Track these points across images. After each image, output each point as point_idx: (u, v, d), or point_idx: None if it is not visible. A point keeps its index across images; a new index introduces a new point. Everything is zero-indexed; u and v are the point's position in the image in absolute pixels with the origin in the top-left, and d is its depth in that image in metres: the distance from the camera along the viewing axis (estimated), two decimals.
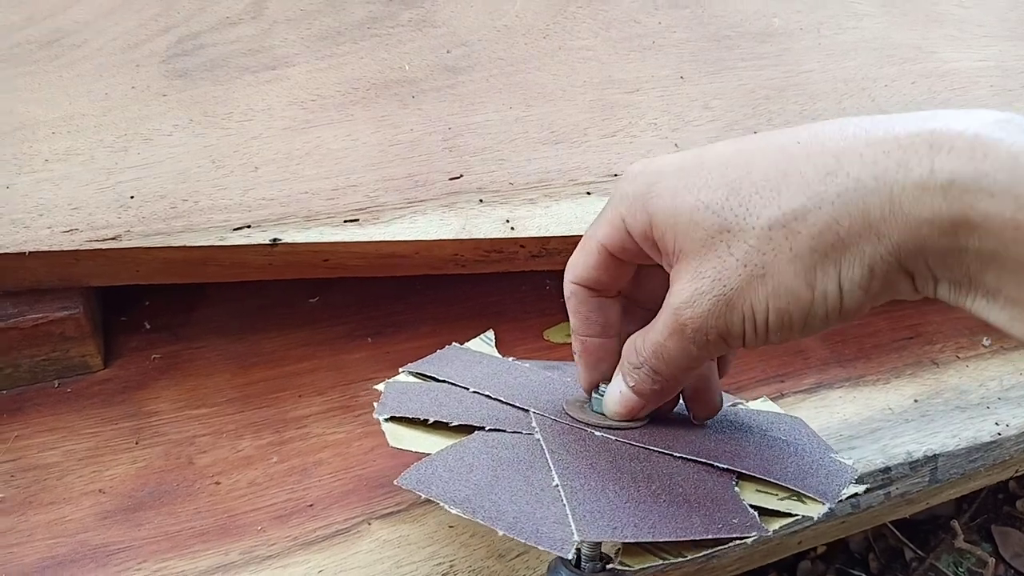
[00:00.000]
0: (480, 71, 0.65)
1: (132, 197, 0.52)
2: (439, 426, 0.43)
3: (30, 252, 0.49)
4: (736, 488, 0.37)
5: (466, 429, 0.42)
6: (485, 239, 0.54)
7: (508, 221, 0.55)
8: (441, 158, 0.58)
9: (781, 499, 0.36)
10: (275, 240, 0.51)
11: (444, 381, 0.47)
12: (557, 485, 0.36)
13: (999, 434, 0.56)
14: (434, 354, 0.52)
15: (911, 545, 0.92)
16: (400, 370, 0.49)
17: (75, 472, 0.50)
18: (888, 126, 0.30)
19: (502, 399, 0.45)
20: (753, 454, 0.39)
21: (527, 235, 0.54)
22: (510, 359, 0.52)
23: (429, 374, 0.48)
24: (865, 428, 0.56)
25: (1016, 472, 0.62)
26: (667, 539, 0.33)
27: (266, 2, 0.67)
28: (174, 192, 0.53)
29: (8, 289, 0.52)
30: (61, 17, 0.64)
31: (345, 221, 0.53)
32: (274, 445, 0.52)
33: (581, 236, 0.54)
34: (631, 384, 0.39)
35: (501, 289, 0.66)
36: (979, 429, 0.57)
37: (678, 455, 0.39)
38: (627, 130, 0.62)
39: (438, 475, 0.38)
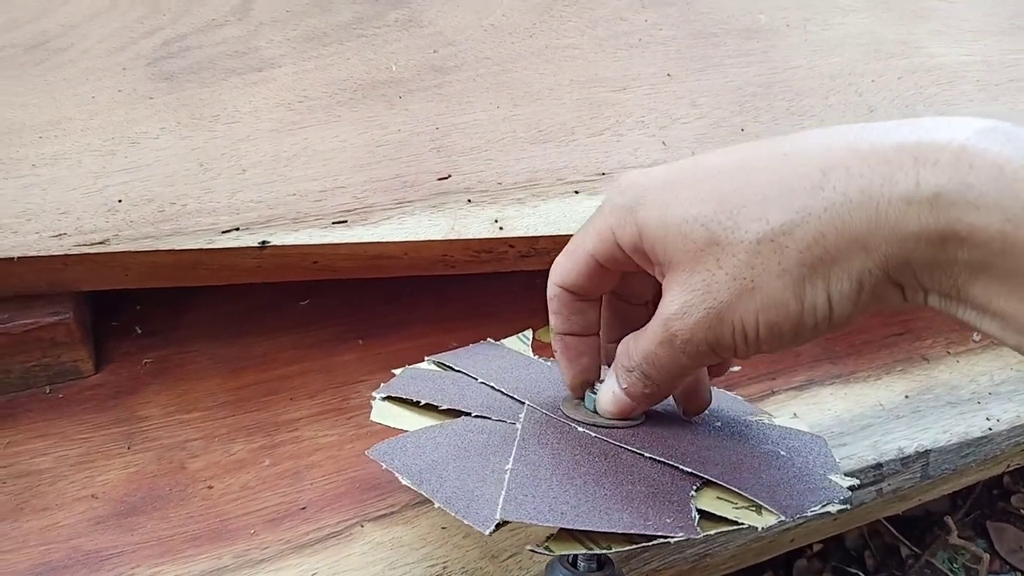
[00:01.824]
0: (467, 71, 0.65)
1: (120, 201, 0.52)
2: (431, 409, 0.44)
3: (18, 257, 0.49)
4: (694, 492, 0.37)
5: (455, 414, 0.43)
6: (474, 239, 0.54)
7: (497, 221, 0.55)
8: (429, 158, 0.58)
9: (737, 508, 0.37)
10: (263, 243, 0.51)
11: (458, 371, 0.48)
12: (508, 469, 0.37)
13: (990, 429, 0.57)
14: (465, 347, 0.53)
15: (907, 542, 0.92)
16: (425, 358, 0.50)
17: (67, 478, 0.50)
18: (874, 138, 0.30)
19: (504, 390, 0.45)
20: (729, 463, 0.40)
21: (516, 235, 0.54)
22: (537, 357, 0.52)
23: (448, 363, 0.49)
24: (856, 424, 0.56)
25: (1008, 467, 0.62)
26: (589, 528, 0.34)
27: (252, 4, 0.67)
28: (162, 195, 0.53)
29: None
30: (46, 20, 0.63)
31: (333, 223, 0.53)
32: (266, 448, 0.52)
33: (570, 235, 0.54)
34: (624, 386, 0.39)
35: (492, 289, 0.66)
36: (970, 424, 0.57)
37: (647, 455, 0.39)
38: (614, 128, 0.62)
39: (405, 450, 0.39)
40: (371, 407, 0.44)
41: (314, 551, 0.46)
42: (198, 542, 0.46)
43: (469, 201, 0.56)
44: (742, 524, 0.35)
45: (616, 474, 0.37)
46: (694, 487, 0.37)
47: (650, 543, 0.34)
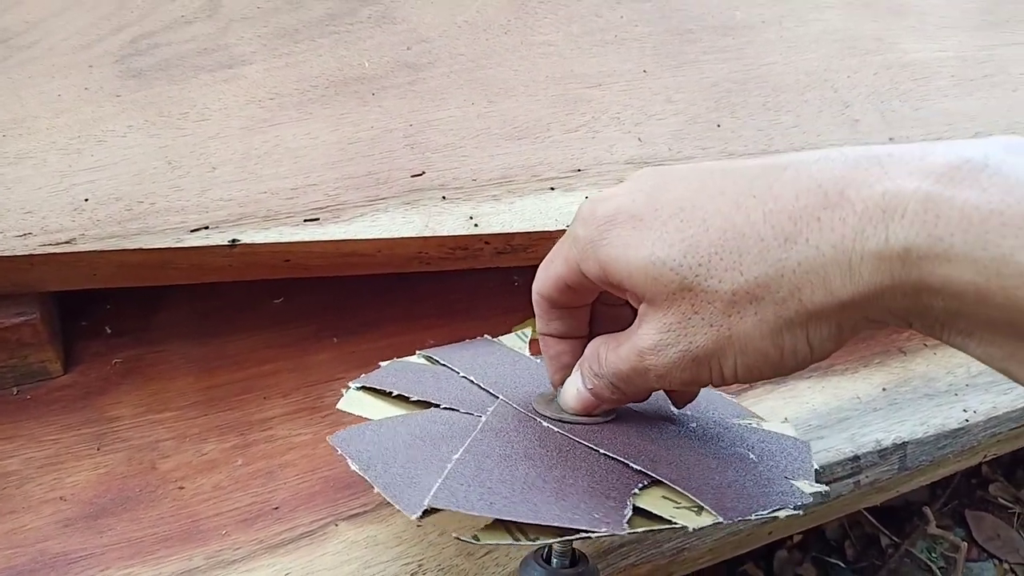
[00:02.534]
0: (441, 67, 0.64)
1: (86, 200, 0.51)
2: (403, 400, 0.44)
3: None
4: (638, 490, 0.37)
5: (426, 405, 0.43)
6: (449, 236, 0.54)
7: (472, 218, 0.54)
8: (402, 155, 0.58)
9: (678, 507, 0.36)
10: (234, 241, 0.51)
11: (443, 365, 0.48)
12: (455, 458, 0.37)
13: (967, 420, 0.57)
14: (460, 343, 0.53)
15: (886, 532, 0.92)
16: (416, 352, 0.50)
17: (35, 480, 0.49)
18: (843, 181, 0.29)
19: (481, 385, 0.45)
20: (685, 463, 0.40)
21: (491, 231, 0.54)
22: (529, 355, 0.52)
23: (436, 357, 0.49)
24: (834, 417, 0.56)
25: (984, 457, 0.63)
26: (517, 519, 0.34)
27: (222, 0, 0.67)
28: (129, 194, 0.52)
29: None
30: (9, 16, 0.62)
31: (305, 220, 0.52)
32: (239, 448, 0.52)
33: (545, 232, 0.55)
34: (588, 387, 0.39)
35: (468, 286, 0.66)
36: (947, 416, 0.57)
37: (601, 451, 0.39)
38: (590, 125, 0.62)
39: (363, 437, 0.40)
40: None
41: (287, 551, 0.45)
42: (169, 543, 0.45)
43: (444, 198, 0.55)
44: (675, 524, 0.35)
45: (563, 468, 0.37)
46: (640, 485, 0.37)
47: (575, 536, 0.33)
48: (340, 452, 0.39)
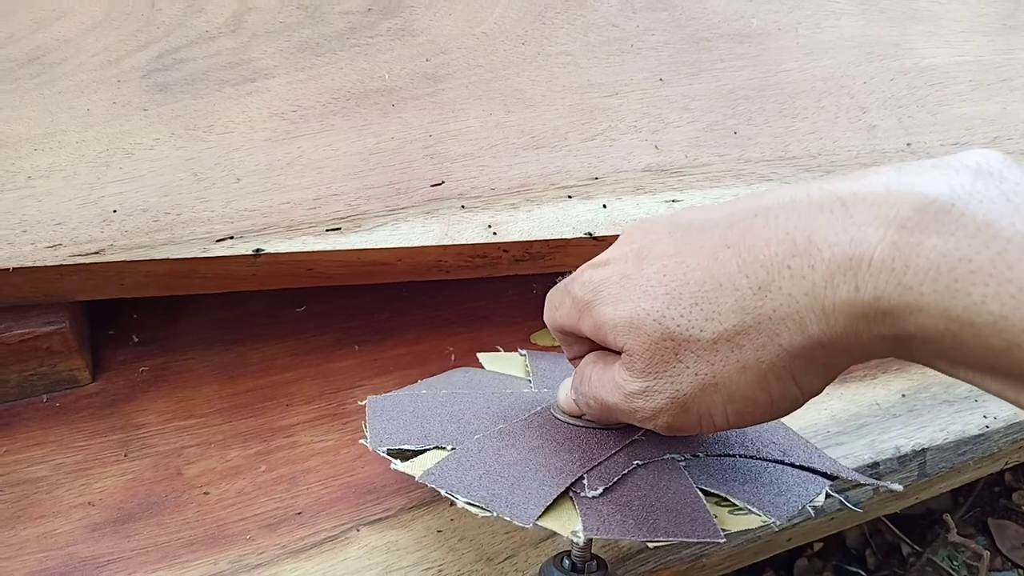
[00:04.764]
0: (460, 78, 0.65)
1: (115, 211, 0.52)
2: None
3: (14, 268, 0.49)
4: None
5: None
6: (468, 245, 0.54)
7: (490, 226, 0.55)
8: (422, 165, 0.58)
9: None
10: (258, 251, 0.51)
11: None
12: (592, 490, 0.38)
13: (987, 427, 0.57)
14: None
15: (907, 540, 0.92)
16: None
17: (64, 485, 0.50)
18: (808, 230, 0.29)
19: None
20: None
21: (510, 240, 0.55)
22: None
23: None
24: (853, 424, 0.56)
25: (1005, 464, 0.62)
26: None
27: (245, 16, 0.68)
28: (156, 205, 0.53)
29: None
30: (42, 35, 0.64)
31: (327, 230, 0.53)
32: (262, 454, 0.53)
33: (563, 240, 0.55)
34: (574, 397, 0.40)
35: (486, 294, 0.67)
36: (967, 423, 0.57)
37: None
38: (607, 133, 0.63)
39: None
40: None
41: (310, 556, 0.46)
42: (194, 548, 0.46)
43: (463, 207, 0.56)
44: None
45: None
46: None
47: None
48: (445, 493, 0.38)
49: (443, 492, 0.38)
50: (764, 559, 0.57)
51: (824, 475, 0.42)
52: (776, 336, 0.30)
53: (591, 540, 0.38)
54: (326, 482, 0.51)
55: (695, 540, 0.36)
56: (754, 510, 0.38)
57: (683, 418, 0.34)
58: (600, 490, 0.38)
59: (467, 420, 0.44)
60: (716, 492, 0.39)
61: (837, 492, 0.42)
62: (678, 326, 0.32)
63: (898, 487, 0.43)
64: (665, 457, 0.40)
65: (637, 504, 0.37)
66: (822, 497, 0.40)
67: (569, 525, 0.36)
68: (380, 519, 0.48)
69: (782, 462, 0.42)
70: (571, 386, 0.41)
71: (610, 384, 0.36)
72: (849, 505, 0.47)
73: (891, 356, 0.30)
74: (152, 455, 0.52)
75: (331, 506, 0.49)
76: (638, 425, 0.36)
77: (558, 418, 0.42)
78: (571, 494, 0.38)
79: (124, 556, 0.46)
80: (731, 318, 0.31)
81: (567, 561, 0.40)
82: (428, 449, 0.42)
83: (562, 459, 0.39)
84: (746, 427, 0.35)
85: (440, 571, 0.45)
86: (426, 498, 0.50)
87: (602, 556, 0.40)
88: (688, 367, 0.33)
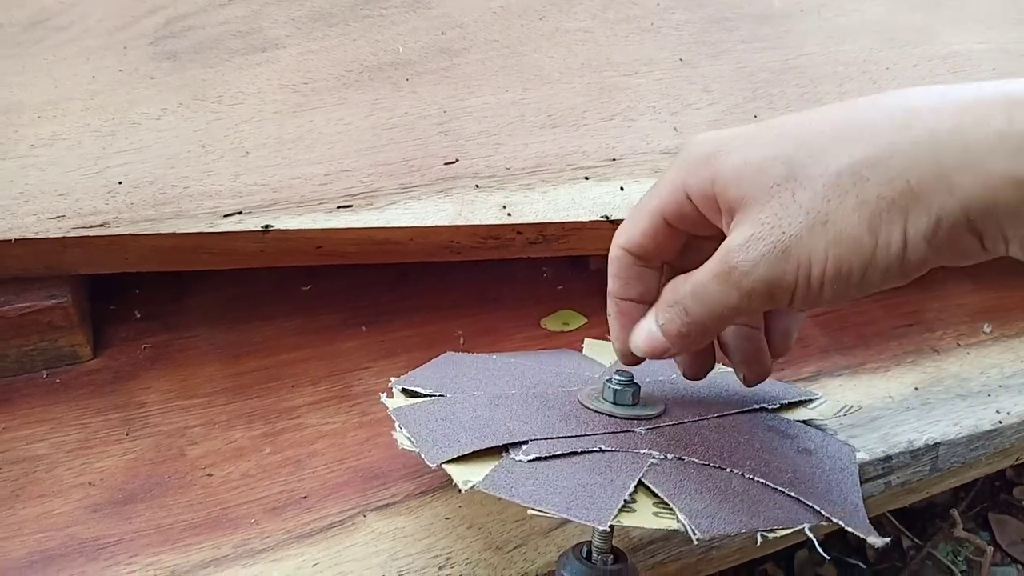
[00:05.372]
0: (476, 53, 0.64)
1: (120, 183, 0.51)
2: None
3: (16, 240, 0.48)
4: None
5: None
6: (481, 225, 0.53)
7: (505, 207, 0.54)
8: (436, 142, 0.57)
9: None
10: (267, 227, 0.50)
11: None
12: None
13: (1000, 422, 0.56)
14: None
15: (909, 534, 0.92)
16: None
17: (64, 464, 0.49)
18: (962, 90, 0.30)
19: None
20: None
21: (524, 221, 0.53)
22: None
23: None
24: (865, 416, 0.55)
25: (1017, 460, 0.62)
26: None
27: None
28: (163, 177, 0.52)
29: None
30: None
31: (338, 207, 0.52)
32: (267, 436, 0.52)
33: (579, 222, 0.54)
34: (660, 322, 0.38)
35: (497, 276, 0.66)
36: (980, 417, 0.56)
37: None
38: (625, 113, 0.61)
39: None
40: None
41: (315, 541, 0.45)
42: (197, 530, 0.45)
43: (477, 186, 0.55)
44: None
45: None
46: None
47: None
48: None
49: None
50: (771, 552, 0.57)
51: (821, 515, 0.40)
52: (906, 171, 0.30)
53: (611, 530, 0.37)
54: (332, 465, 0.50)
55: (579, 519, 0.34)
56: (681, 516, 0.36)
57: (782, 266, 0.32)
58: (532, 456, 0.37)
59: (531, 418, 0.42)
60: (652, 488, 0.37)
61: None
62: (803, 166, 0.32)
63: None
64: (641, 452, 0.39)
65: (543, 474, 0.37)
66: (785, 532, 0.38)
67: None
68: (387, 505, 0.47)
69: (776, 488, 0.40)
70: (655, 313, 0.38)
71: (709, 263, 0.35)
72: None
73: (1010, 224, 0.30)
74: (154, 435, 0.51)
75: (337, 490, 0.48)
76: (732, 293, 0.34)
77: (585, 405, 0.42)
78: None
79: (125, 538, 0.45)
80: (863, 151, 0.31)
81: (588, 552, 0.39)
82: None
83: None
84: (837, 292, 0.33)
85: (448, 559, 0.44)
86: (434, 484, 0.49)
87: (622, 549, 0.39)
88: (802, 205, 0.32)
